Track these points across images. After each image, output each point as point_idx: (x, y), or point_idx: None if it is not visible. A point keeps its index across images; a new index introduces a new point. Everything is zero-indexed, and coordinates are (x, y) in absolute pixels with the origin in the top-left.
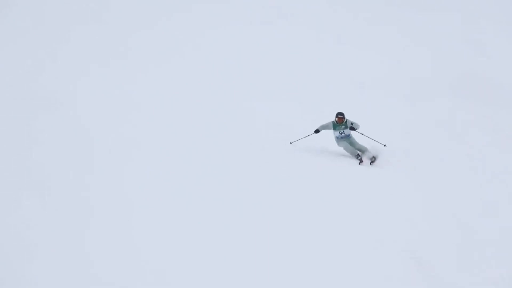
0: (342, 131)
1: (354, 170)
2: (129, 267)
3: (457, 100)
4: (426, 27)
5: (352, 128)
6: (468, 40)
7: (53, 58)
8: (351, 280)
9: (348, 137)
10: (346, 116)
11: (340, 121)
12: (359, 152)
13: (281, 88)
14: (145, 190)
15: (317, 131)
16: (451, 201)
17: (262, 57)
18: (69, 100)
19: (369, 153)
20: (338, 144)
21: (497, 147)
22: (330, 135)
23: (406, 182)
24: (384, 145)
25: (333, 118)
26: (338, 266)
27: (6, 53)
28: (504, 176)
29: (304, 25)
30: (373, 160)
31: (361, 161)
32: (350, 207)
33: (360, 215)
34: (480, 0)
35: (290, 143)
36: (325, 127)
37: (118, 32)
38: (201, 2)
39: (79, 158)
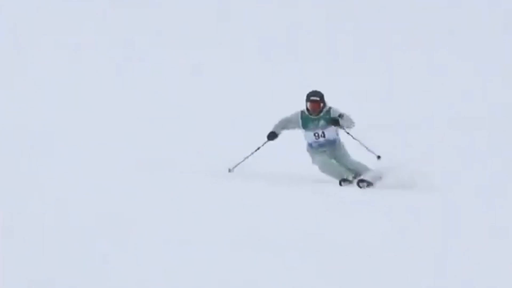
0: (318, 131)
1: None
2: None
3: None
4: None
5: (336, 123)
6: None
7: None
8: None
9: (332, 144)
10: (328, 102)
11: (315, 109)
12: (352, 174)
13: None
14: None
15: (272, 137)
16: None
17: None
18: None
19: (372, 173)
20: (312, 161)
21: None
22: (298, 141)
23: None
24: (378, 157)
25: (301, 106)
26: None
27: None
28: None
29: None
30: (370, 183)
31: (362, 183)
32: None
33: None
34: None
35: (229, 170)
36: (286, 124)
37: None
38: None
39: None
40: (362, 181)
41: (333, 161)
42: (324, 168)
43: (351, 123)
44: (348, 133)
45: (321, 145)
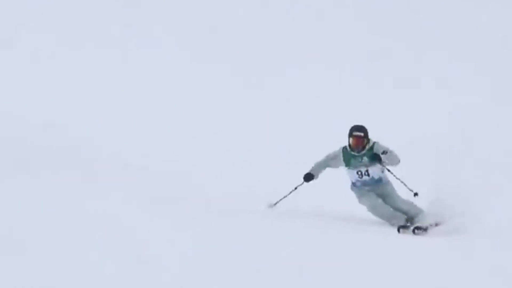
0: (362, 169)
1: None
2: None
3: None
4: None
5: (378, 159)
6: None
7: None
8: None
9: (377, 183)
10: (372, 136)
11: (358, 145)
12: (405, 216)
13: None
14: None
15: (308, 178)
16: None
17: None
18: None
19: (426, 217)
20: (359, 200)
21: None
22: (341, 180)
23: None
24: (415, 194)
25: (344, 141)
26: None
27: None
28: None
29: None
30: (430, 226)
31: (418, 230)
32: None
33: None
34: None
35: (272, 206)
36: (327, 163)
37: None
38: None
39: None
40: (418, 228)
41: (380, 200)
42: (373, 209)
43: (395, 160)
44: (389, 170)
45: (365, 184)
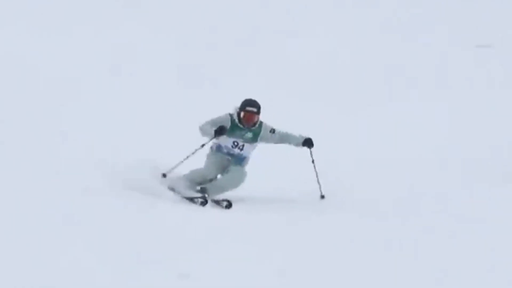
0: (239, 141)
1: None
2: None
3: None
4: None
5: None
6: None
7: None
8: None
9: (238, 158)
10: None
11: (250, 121)
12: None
13: None
14: None
15: (221, 131)
16: None
17: None
18: None
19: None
20: (206, 160)
21: None
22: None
23: None
24: (322, 196)
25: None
26: None
27: None
28: None
29: None
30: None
31: (220, 204)
32: None
33: None
34: None
35: (163, 175)
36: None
37: None
38: None
39: None
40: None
41: (215, 167)
42: (204, 169)
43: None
44: (313, 161)
45: (230, 154)
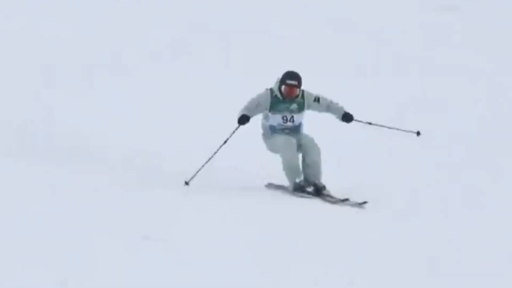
0: (288, 115)
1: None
2: None
3: None
4: None
5: (350, 119)
6: None
7: None
8: None
9: (296, 128)
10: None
11: (291, 94)
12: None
13: None
14: None
15: (244, 120)
16: None
17: None
18: None
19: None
20: (270, 143)
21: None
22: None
23: None
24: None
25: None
26: None
27: None
28: None
29: None
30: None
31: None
32: None
33: None
34: None
35: (186, 183)
36: (256, 107)
37: None
38: None
39: None
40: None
41: (294, 140)
42: (285, 148)
43: (339, 110)
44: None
45: (285, 129)
